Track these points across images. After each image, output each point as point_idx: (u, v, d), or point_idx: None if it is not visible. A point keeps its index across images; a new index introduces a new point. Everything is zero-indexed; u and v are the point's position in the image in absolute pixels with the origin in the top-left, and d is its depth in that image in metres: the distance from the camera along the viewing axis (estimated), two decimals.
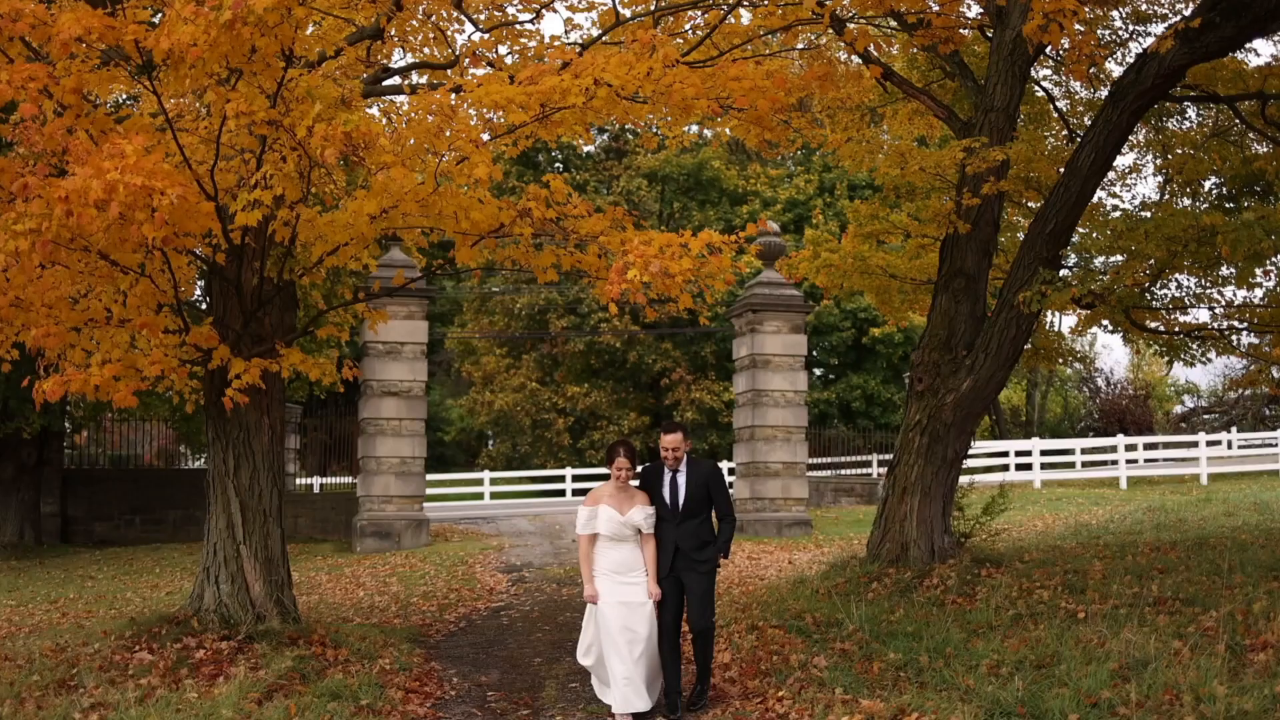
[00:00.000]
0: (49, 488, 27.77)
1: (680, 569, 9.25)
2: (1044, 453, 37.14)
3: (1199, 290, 15.15)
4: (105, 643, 11.06)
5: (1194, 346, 15.44)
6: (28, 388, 10.01)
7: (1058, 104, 17.54)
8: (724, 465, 35.38)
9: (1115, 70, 16.79)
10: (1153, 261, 13.79)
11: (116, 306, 10.07)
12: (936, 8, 13.39)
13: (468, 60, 12.47)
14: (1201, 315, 19.37)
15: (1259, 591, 10.76)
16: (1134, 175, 18.08)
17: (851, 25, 14.27)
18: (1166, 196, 17.35)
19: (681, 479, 9.33)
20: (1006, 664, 8.94)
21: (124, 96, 13.57)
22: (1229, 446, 40.27)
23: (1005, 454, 37.46)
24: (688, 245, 9.48)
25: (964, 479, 15.40)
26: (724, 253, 9.95)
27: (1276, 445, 37.87)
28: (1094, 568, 12.97)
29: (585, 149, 47.90)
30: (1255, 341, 15.75)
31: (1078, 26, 11.60)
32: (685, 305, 9.93)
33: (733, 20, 13.50)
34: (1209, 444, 37.09)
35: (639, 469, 9.52)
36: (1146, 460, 40.16)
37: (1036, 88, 17.43)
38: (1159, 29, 16.59)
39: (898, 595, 12.63)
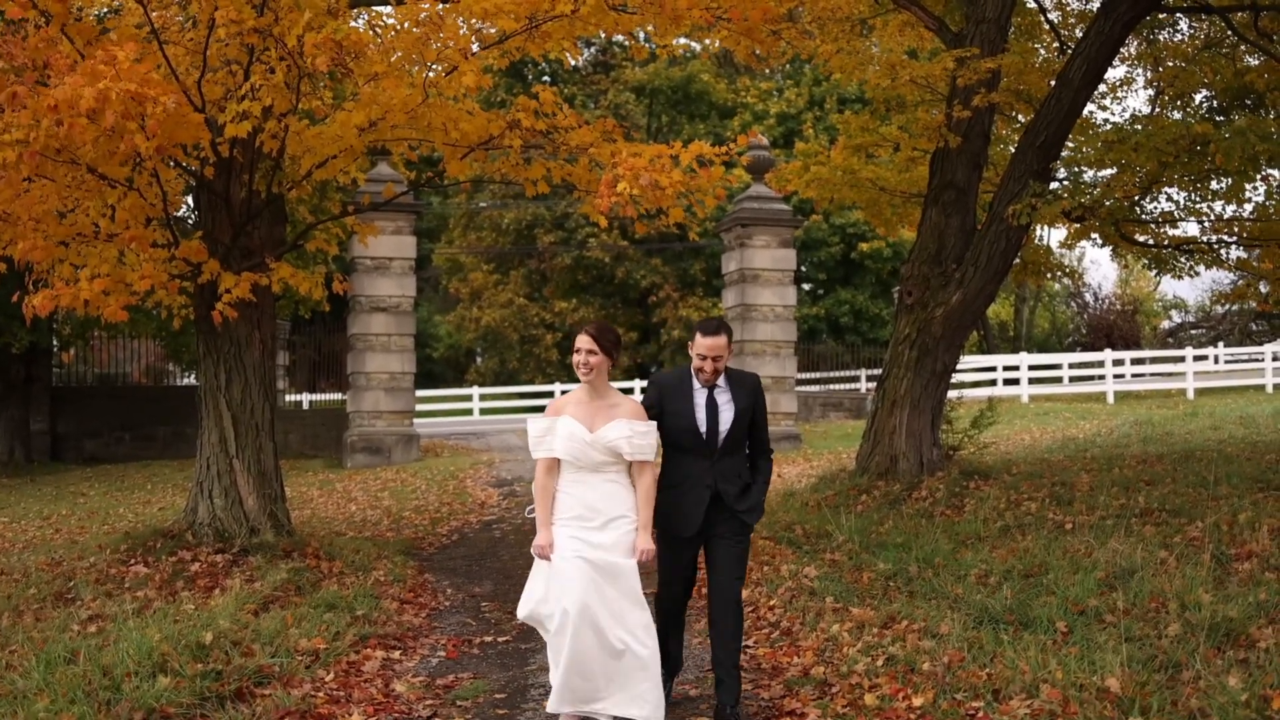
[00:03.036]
0: (38, 405, 27.79)
1: (715, 525, 6.74)
2: (1032, 367, 37.28)
3: (1189, 204, 15.12)
4: (100, 557, 11.12)
5: (1183, 260, 15.47)
6: (16, 303, 9.98)
7: (1049, 15, 17.39)
8: None
9: None
10: (1143, 174, 13.77)
11: (104, 221, 10.02)
12: None
13: None
14: (1191, 229, 19.36)
15: (1244, 502, 10.86)
16: (1125, 88, 17.98)
17: None
18: (1157, 109, 17.26)
19: (725, 398, 6.77)
20: (995, 573, 9.03)
21: (105, 10, 13.38)
22: (1215, 361, 40.49)
23: (993, 369, 37.58)
24: (678, 157, 9.45)
25: (952, 393, 15.46)
26: (714, 165, 9.91)
27: (1263, 360, 38.04)
28: (1081, 480, 13.07)
29: (572, 63, 47.46)
30: (1244, 255, 15.79)
31: None
32: (676, 219, 9.90)
33: None
34: (1196, 359, 37.28)
35: (654, 378, 7.09)
36: (1134, 375, 40.34)
37: None
38: None
39: (887, 507, 12.72)
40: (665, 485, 6.78)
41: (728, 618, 6.74)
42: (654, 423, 6.64)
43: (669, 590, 6.97)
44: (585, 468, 6.50)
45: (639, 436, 6.50)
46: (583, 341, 6.48)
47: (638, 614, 6.33)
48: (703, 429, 6.73)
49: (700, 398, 6.77)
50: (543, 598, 6.44)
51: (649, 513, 6.53)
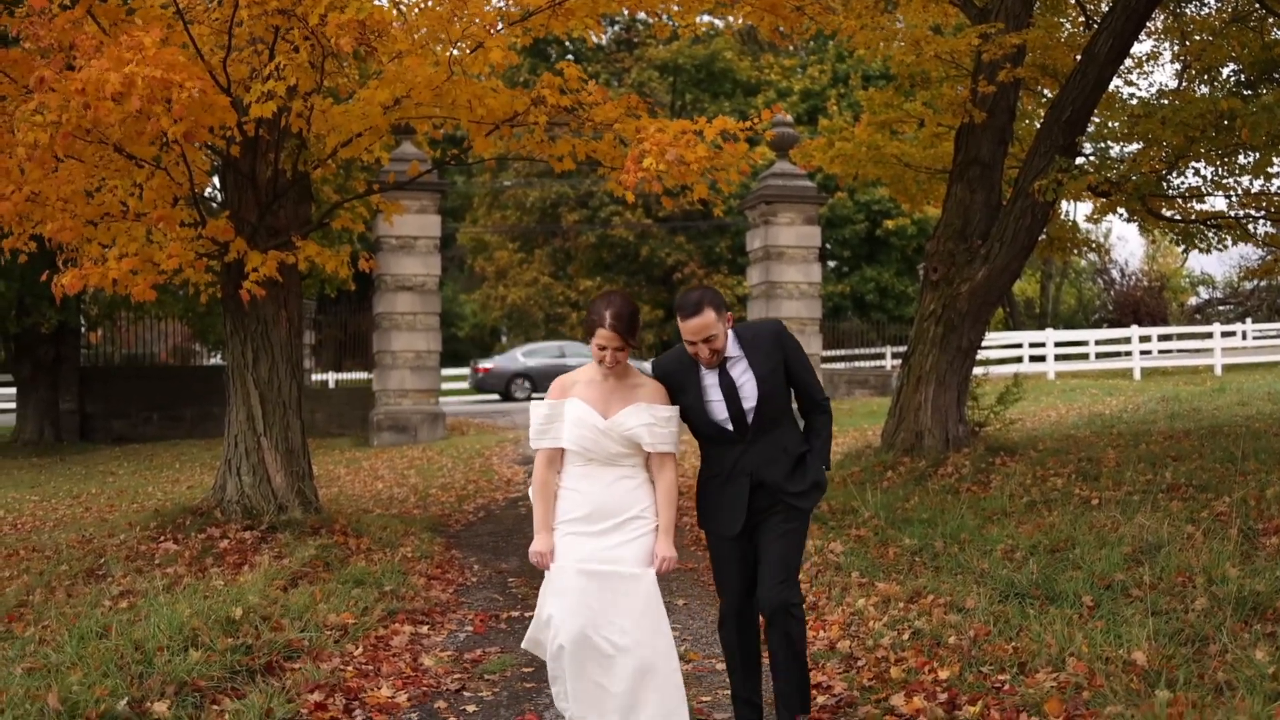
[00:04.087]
0: (66, 385, 27.95)
1: (762, 519, 5.66)
2: (1058, 344, 37.13)
3: (1216, 179, 15.04)
4: (130, 534, 11.21)
5: (1210, 235, 15.39)
6: (45, 283, 10.07)
7: None
8: None
9: None
10: (1170, 149, 13.69)
11: (132, 200, 10.09)
12: None
13: None
14: (1218, 204, 19.25)
15: (1272, 478, 10.82)
16: (1151, 63, 17.84)
17: None
18: (1184, 84, 17.15)
19: (740, 369, 5.65)
20: (1021, 548, 9.02)
21: None
22: (1244, 338, 40.25)
23: (1019, 345, 37.45)
24: (703, 132, 9.43)
25: (978, 370, 15.45)
26: (739, 140, 9.90)
27: None
28: (1108, 456, 13.04)
29: (596, 42, 47.43)
30: (1272, 231, 15.69)
31: None
32: (700, 194, 9.89)
33: None
34: (1224, 335, 37.06)
35: (659, 360, 5.95)
36: (1161, 351, 40.15)
37: None
38: None
39: (912, 483, 12.73)
40: (703, 476, 5.86)
41: (774, 636, 5.59)
42: (676, 408, 5.66)
43: (727, 601, 5.83)
44: (597, 460, 5.55)
45: (661, 424, 5.57)
46: (608, 339, 5.43)
47: (657, 634, 5.43)
48: (725, 412, 5.65)
49: (711, 379, 5.65)
50: (550, 618, 5.49)
51: (671, 514, 5.60)
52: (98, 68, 7.79)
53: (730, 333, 5.70)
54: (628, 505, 5.54)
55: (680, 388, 5.71)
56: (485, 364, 39.38)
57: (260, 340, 11.58)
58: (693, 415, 5.71)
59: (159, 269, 10.01)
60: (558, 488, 5.63)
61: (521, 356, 38.81)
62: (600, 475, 5.56)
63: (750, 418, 5.65)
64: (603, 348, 5.47)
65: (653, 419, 5.56)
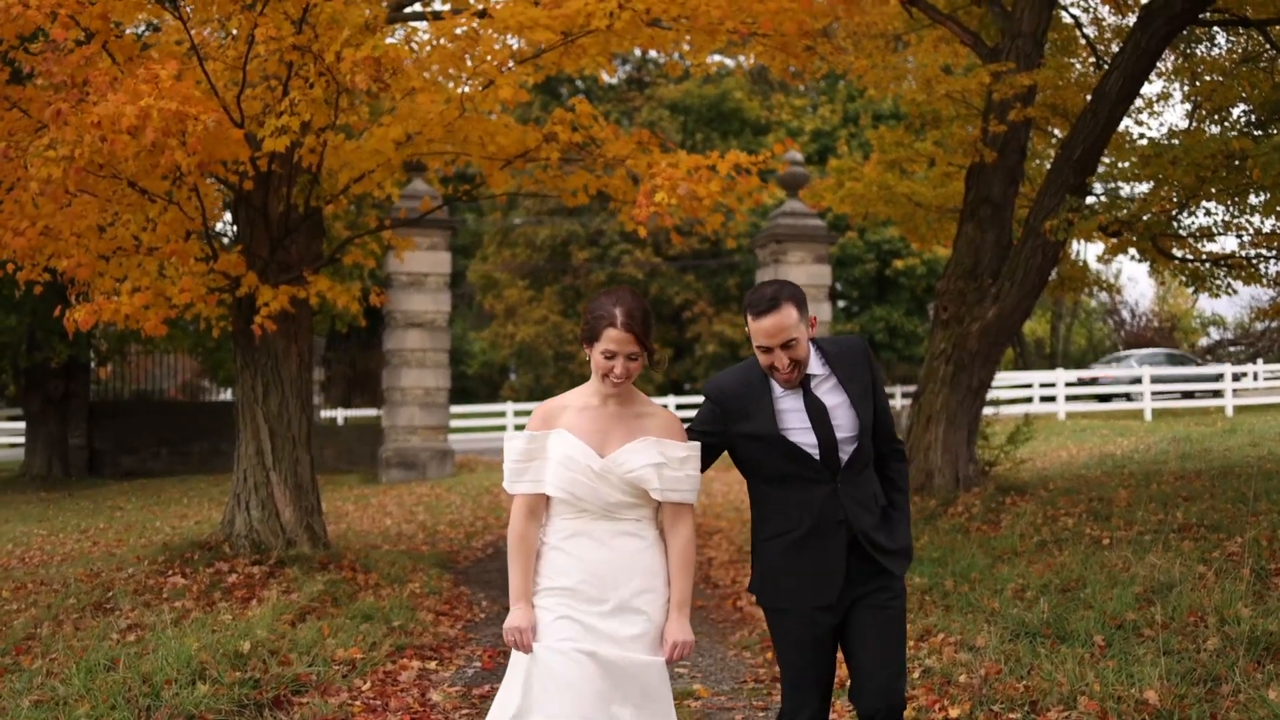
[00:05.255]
0: (76, 420, 28.00)
1: (851, 585, 4.44)
2: (1068, 384, 37.05)
3: (1227, 219, 15.04)
4: (139, 568, 11.20)
5: (1220, 276, 15.37)
6: (56, 318, 10.11)
7: (1085, 30, 17.34)
8: None
9: None
10: (1180, 188, 13.70)
11: (145, 235, 10.14)
12: None
13: None
14: (1229, 244, 19.20)
15: None
16: (1162, 103, 17.89)
17: None
18: (1195, 124, 17.18)
19: (829, 388, 4.53)
20: (1031, 588, 8.98)
21: (143, 27, 13.56)
22: (1255, 379, 40.13)
23: (1029, 385, 37.38)
24: (715, 167, 9.48)
25: (988, 410, 15.42)
26: (751, 174, 9.94)
27: None
28: (1119, 495, 12.99)
29: (607, 80, 47.68)
30: None
31: None
32: (714, 226, 9.92)
33: None
34: (1235, 376, 36.97)
35: (716, 379, 4.68)
36: (1174, 393, 40.04)
37: (1064, 14, 17.25)
38: None
39: (923, 522, 12.68)
40: (765, 534, 4.54)
41: (873, 710, 4.36)
42: (697, 445, 4.41)
43: (800, 707, 4.47)
44: (591, 512, 4.30)
45: (675, 465, 4.34)
46: (619, 342, 4.23)
47: None
48: (813, 442, 4.40)
49: (790, 401, 4.45)
50: (520, 712, 4.21)
51: (687, 585, 4.38)
52: (114, 101, 7.84)
53: (813, 344, 4.60)
54: (631, 573, 4.28)
55: (743, 413, 4.47)
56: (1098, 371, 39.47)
57: (270, 375, 11.60)
58: (759, 448, 4.45)
59: (171, 303, 10.05)
60: (540, 545, 4.39)
61: (1136, 364, 39.14)
62: (595, 532, 4.30)
63: (845, 449, 4.44)
64: (611, 355, 4.25)
65: (663, 457, 4.31)
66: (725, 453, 4.63)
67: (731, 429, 4.48)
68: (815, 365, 4.52)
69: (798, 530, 4.40)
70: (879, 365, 4.72)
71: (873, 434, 4.55)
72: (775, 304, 4.38)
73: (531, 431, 4.39)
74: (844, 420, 4.44)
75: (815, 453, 4.38)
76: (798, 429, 4.42)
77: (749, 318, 4.42)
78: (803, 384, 4.46)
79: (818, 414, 4.41)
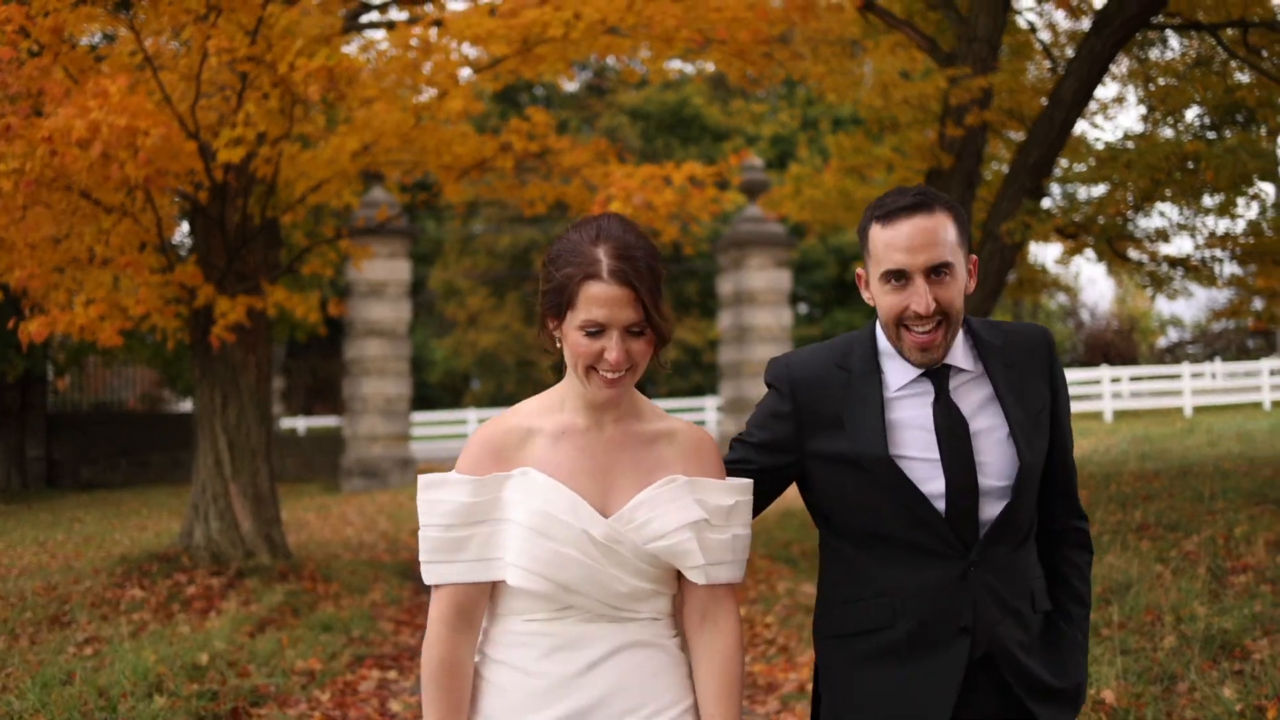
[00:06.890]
0: (34, 432, 27.75)
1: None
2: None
3: (1182, 221, 15.19)
4: (96, 580, 11.11)
5: (1176, 277, 15.51)
6: (11, 330, 10.03)
7: (1040, 35, 17.47)
8: (709, 403, 35.41)
9: (1098, 1, 16.72)
10: (1136, 191, 13.82)
11: (100, 246, 10.07)
12: None
13: None
14: (1185, 245, 19.40)
15: (1240, 516, 10.85)
16: (1117, 106, 18.02)
17: None
18: (1149, 127, 17.33)
19: (978, 398, 2.76)
20: None
21: (99, 37, 13.48)
22: (1213, 378, 40.46)
23: None
24: (670, 178, 9.50)
25: None
26: (706, 186, 9.97)
27: (1260, 376, 38.03)
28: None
29: (567, 87, 47.69)
30: (1238, 272, 15.81)
31: None
32: (670, 237, 9.94)
33: None
34: (1193, 376, 37.25)
35: (789, 356, 3.02)
36: (1131, 393, 40.31)
37: (1019, 18, 17.37)
38: None
39: None
40: (834, 631, 2.88)
41: None
42: (748, 484, 2.80)
43: None
44: (582, 609, 2.61)
45: (719, 520, 2.69)
46: (610, 302, 2.64)
47: None
48: (939, 487, 2.71)
49: (911, 409, 2.77)
50: None
51: (735, 708, 2.67)
52: (64, 115, 7.80)
53: (967, 323, 2.86)
54: (645, 694, 2.62)
55: (829, 418, 2.80)
56: None
57: (229, 386, 11.54)
58: (849, 479, 2.79)
59: (127, 314, 9.99)
60: (479, 672, 2.67)
61: None
62: (587, 642, 2.61)
63: (991, 507, 2.74)
64: (597, 329, 2.62)
65: (703, 510, 2.65)
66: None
67: (807, 444, 2.83)
68: (960, 354, 2.80)
69: (891, 631, 2.73)
70: (1064, 379, 2.94)
71: (1042, 486, 2.89)
72: (925, 203, 2.71)
73: (470, 475, 2.60)
74: (995, 457, 2.74)
75: (940, 504, 2.70)
76: (917, 459, 2.71)
77: (875, 227, 2.80)
78: (934, 381, 2.76)
79: (953, 438, 2.71)
